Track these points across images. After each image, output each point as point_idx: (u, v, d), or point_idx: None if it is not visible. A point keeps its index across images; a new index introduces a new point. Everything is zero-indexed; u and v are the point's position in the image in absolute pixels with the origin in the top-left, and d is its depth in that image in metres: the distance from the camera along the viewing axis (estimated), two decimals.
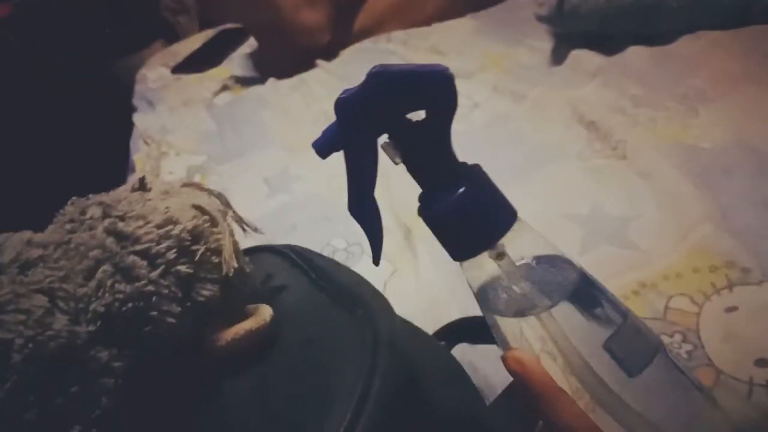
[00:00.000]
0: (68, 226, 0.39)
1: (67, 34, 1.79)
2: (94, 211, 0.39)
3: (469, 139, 0.97)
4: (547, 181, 0.81)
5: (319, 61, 1.45)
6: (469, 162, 0.33)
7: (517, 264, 0.33)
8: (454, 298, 0.66)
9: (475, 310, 0.61)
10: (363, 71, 0.30)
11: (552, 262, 0.34)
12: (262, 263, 0.48)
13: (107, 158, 1.31)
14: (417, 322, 0.50)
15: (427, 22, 1.47)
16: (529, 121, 0.97)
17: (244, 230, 0.48)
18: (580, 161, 0.83)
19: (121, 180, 1.18)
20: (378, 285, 0.44)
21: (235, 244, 0.42)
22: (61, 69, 1.73)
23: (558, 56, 1.13)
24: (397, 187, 0.83)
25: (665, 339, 0.54)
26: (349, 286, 0.41)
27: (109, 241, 0.37)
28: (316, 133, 0.32)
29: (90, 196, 0.42)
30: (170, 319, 0.37)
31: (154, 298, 0.36)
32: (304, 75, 1.42)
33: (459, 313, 0.62)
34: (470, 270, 0.34)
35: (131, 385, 0.36)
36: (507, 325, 0.33)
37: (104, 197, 0.41)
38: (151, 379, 0.37)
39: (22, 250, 0.37)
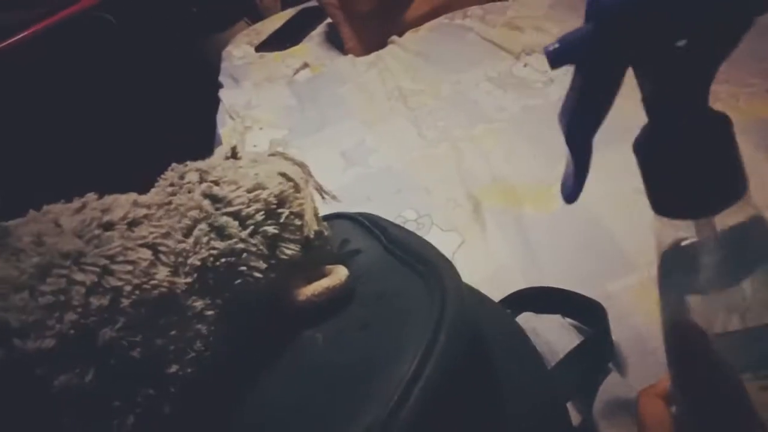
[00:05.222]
0: (169, 189, 0.44)
1: (157, 13, 1.88)
2: (192, 176, 0.44)
3: (543, 114, 0.97)
4: (621, 158, 0.80)
5: (394, 38, 1.47)
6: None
7: (722, 238, 0.28)
8: (520, 269, 0.67)
9: (538, 281, 0.63)
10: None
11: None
12: (339, 229, 0.52)
13: (196, 132, 1.39)
14: (484, 291, 0.52)
15: None
16: None
17: (323, 198, 0.51)
18: None
19: (208, 153, 1.25)
20: (446, 255, 0.46)
21: (315, 209, 0.46)
22: (153, 47, 1.83)
23: None
24: (467, 160, 0.84)
25: None
26: (419, 251, 0.44)
27: (205, 203, 0.41)
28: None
29: (188, 163, 0.46)
30: (257, 274, 0.41)
31: (243, 255, 0.40)
32: (381, 52, 1.44)
33: (525, 283, 0.63)
34: (665, 228, 0.30)
35: (221, 332, 0.40)
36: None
37: (200, 164, 0.45)
38: (238, 327, 0.41)
39: (129, 209, 0.41)
